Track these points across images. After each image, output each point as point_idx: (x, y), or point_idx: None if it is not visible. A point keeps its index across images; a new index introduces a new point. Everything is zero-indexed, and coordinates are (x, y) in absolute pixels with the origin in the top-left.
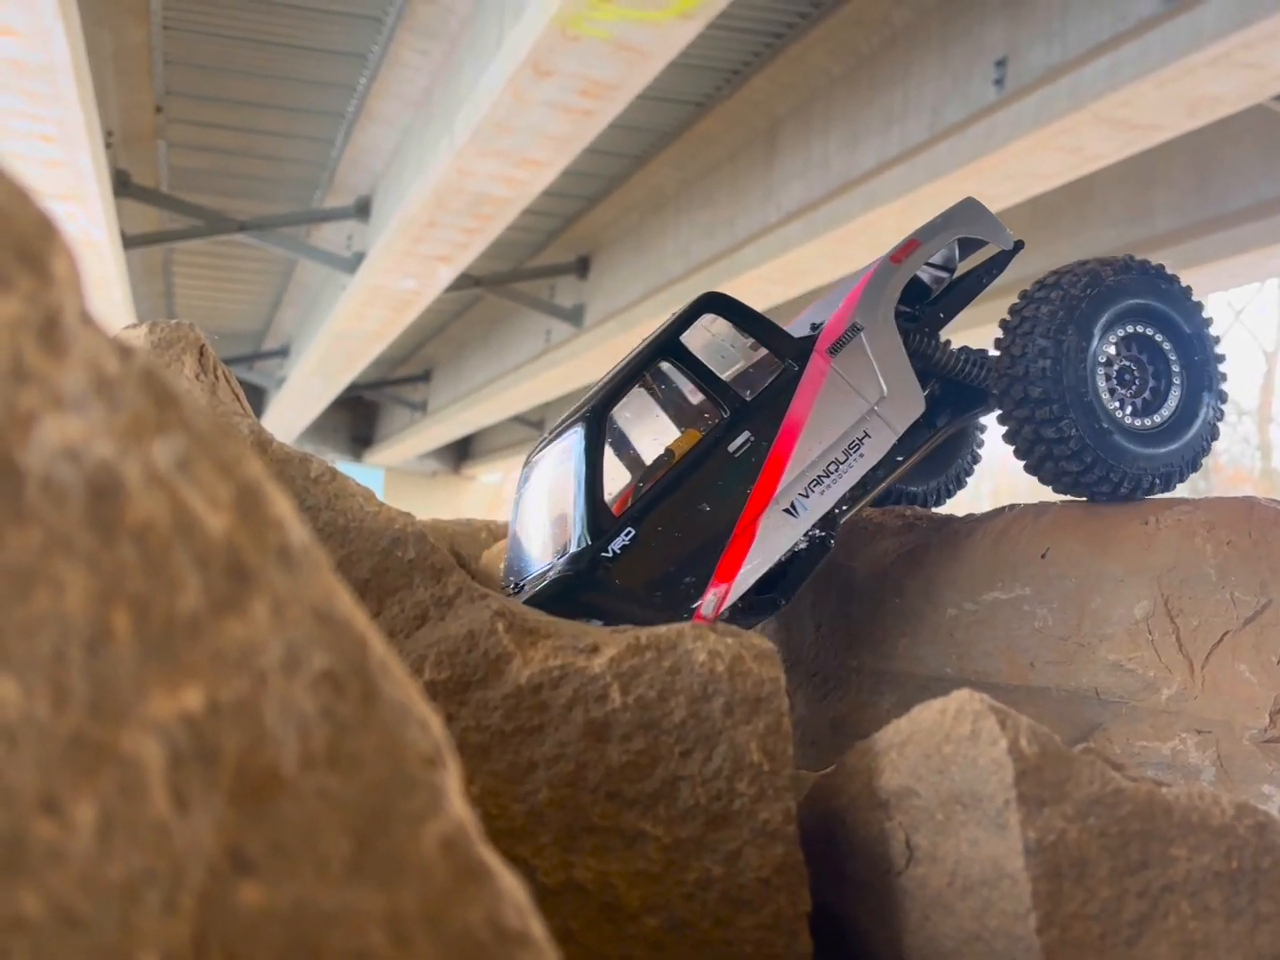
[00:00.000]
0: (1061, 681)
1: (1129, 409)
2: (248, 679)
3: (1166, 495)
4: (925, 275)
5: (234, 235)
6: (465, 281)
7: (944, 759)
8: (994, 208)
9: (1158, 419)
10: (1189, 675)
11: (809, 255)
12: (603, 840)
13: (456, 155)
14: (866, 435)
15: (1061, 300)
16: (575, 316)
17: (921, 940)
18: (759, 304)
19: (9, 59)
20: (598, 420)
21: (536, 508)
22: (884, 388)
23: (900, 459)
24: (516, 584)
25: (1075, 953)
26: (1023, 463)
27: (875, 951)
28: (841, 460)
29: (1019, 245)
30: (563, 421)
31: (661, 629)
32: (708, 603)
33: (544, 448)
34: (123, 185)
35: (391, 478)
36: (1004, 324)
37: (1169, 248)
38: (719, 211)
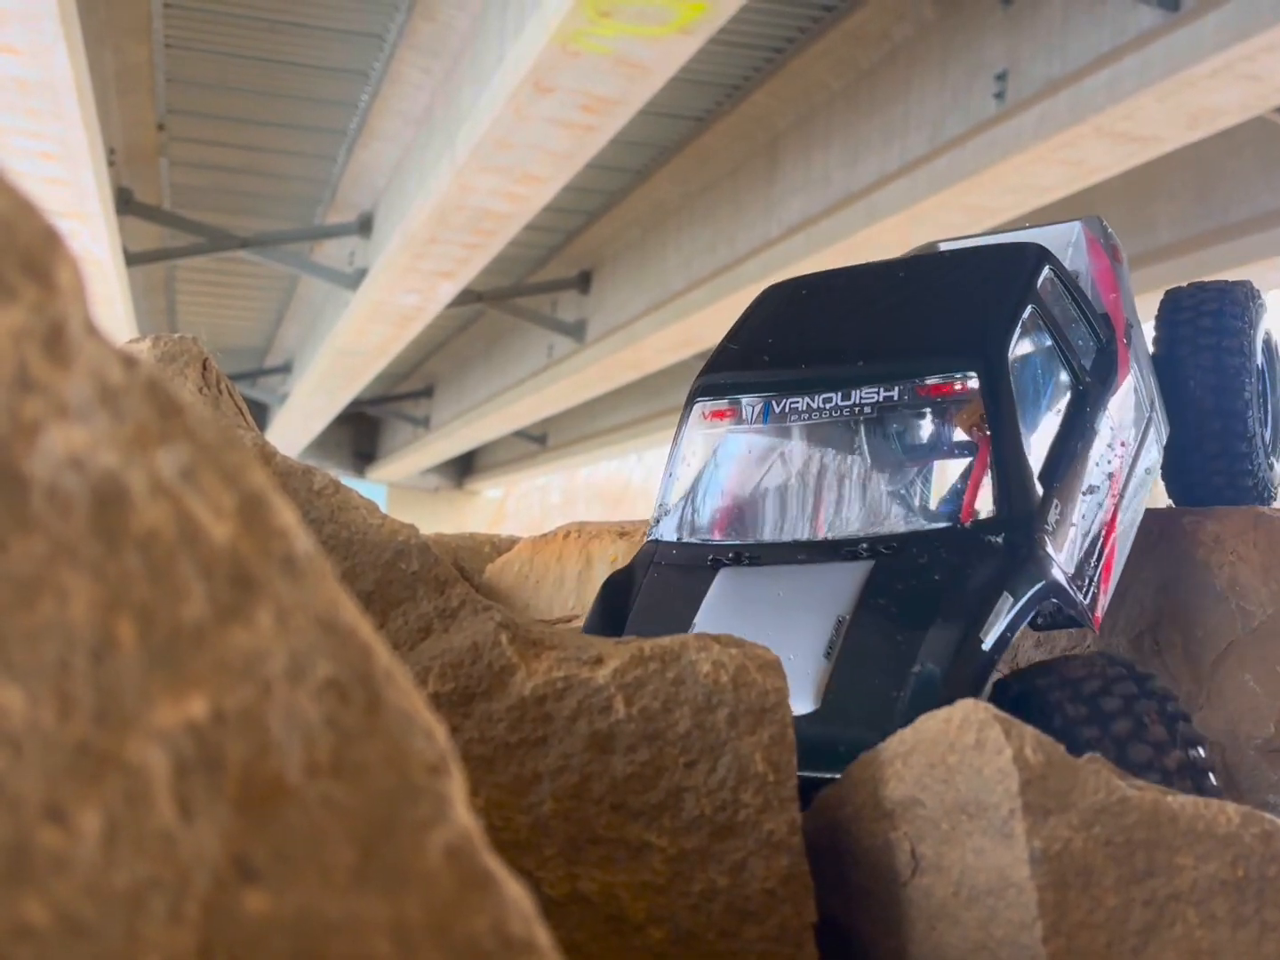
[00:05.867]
0: None
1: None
2: (252, 687)
3: (1172, 506)
4: None
5: (236, 252)
6: (467, 297)
7: (949, 768)
8: (995, 221)
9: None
10: (1194, 685)
11: (810, 269)
12: (608, 852)
13: (458, 171)
14: (1151, 423)
15: (1217, 320)
16: (577, 331)
17: (927, 950)
18: None
19: (10, 77)
20: (1004, 362)
21: (874, 456)
22: (1154, 388)
23: None
24: (783, 544)
25: None
26: (1178, 483)
27: None
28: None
29: None
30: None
31: (665, 639)
32: (1102, 604)
33: (824, 391)
34: (125, 203)
35: (394, 493)
36: (1158, 343)
37: (1171, 260)
38: (720, 226)
